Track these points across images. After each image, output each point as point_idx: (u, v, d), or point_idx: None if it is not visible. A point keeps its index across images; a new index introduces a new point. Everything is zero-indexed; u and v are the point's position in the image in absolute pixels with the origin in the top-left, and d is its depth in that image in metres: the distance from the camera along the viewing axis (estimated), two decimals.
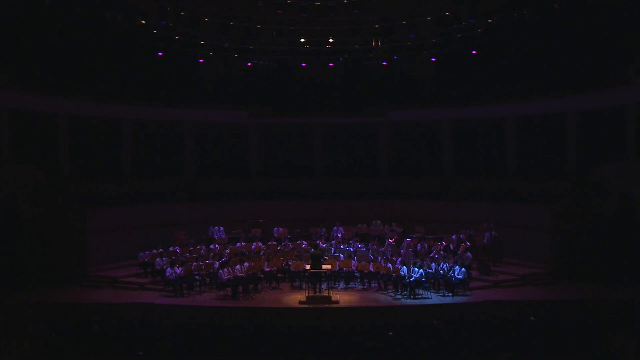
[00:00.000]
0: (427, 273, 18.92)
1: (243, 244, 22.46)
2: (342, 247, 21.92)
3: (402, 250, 20.85)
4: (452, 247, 21.25)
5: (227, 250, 21.52)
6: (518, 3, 21.80)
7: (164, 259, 20.36)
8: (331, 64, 25.99)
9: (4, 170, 21.11)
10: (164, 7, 21.68)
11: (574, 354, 14.49)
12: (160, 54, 24.79)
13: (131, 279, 20.79)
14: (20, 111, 22.45)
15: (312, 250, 19.31)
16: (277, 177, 27.80)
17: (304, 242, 22.66)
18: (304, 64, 26.27)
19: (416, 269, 18.77)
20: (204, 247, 21.87)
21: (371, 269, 19.70)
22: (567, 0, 20.63)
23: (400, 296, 18.74)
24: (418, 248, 21.10)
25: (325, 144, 28.46)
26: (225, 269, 18.97)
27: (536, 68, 24.26)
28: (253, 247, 22.06)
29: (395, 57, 25.47)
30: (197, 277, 19.52)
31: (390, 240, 21.84)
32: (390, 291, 19.34)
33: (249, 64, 26.19)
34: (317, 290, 18.39)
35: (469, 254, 20.08)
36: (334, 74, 27.61)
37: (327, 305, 17.92)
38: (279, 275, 20.40)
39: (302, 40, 24.18)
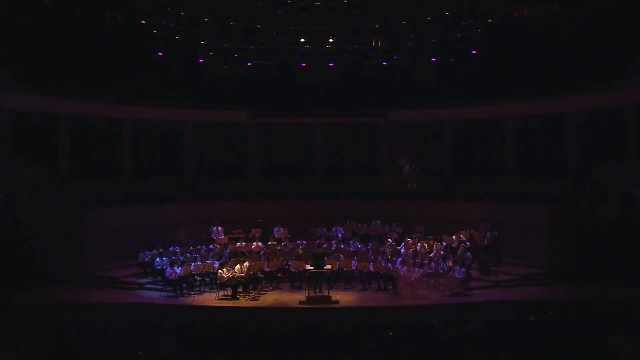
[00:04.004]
0: (427, 273, 18.96)
1: (243, 244, 22.45)
2: (342, 246, 21.93)
3: (402, 250, 20.86)
4: (453, 247, 21.24)
5: (227, 250, 21.53)
6: (518, 3, 21.81)
7: (164, 259, 20.35)
8: (331, 64, 25.97)
9: (4, 170, 21.09)
10: (164, 7, 21.70)
11: (574, 354, 14.47)
12: (160, 54, 24.78)
13: (131, 279, 20.80)
14: (20, 111, 22.45)
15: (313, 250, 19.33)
16: (277, 177, 27.73)
17: (304, 242, 22.67)
18: (304, 64, 26.25)
19: None
20: (204, 247, 21.87)
21: (371, 269, 19.71)
22: (567, 0, 20.64)
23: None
24: (418, 248, 21.10)
25: (325, 144, 28.43)
26: (225, 269, 18.98)
27: (536, 68, 24.23)
28: (253, 247, 22.06)
29: (395, 57, 25.45)
30: (197, 277, 19.53)
31: (390, 240, 21.85)
32: (390, 291, 19.36)
33: (249, 64, 26.17)
34: (317, 290, 18.39)
35: (469, 254, 20.08)
36: (334, 74, 27.57)
37: (327, 305, 17.90)
38: (279, 275, 20.40)
39: (302, 40, 24.18)
